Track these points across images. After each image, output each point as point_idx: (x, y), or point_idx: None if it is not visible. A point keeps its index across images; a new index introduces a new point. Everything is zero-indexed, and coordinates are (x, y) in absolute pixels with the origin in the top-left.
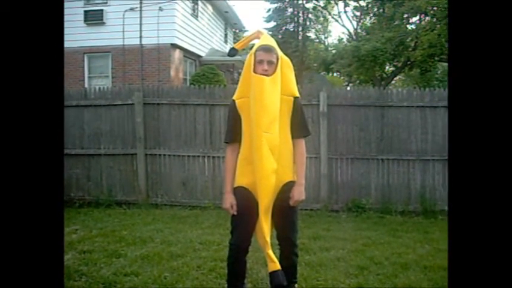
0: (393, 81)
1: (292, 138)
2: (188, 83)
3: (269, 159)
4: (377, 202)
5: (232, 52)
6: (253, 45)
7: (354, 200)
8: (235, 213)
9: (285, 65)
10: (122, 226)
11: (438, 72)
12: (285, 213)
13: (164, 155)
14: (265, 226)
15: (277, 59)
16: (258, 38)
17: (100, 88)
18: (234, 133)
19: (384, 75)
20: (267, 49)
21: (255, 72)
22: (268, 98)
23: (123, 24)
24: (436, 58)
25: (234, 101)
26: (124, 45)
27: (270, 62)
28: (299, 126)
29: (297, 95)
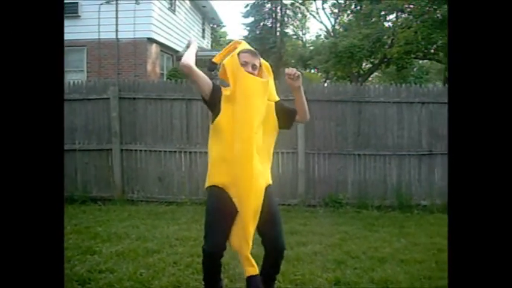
0: (369, 78)
1: (295, 119)
2: (165, 78)
3: (257, 161)
4: (353, 197)
5: (212, 67)
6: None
7: (331, 195)
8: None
9: (268, 70)
10: (97, 222)
11: (414, 69)
12: (272, 218)
13: (140, 150)
14: (251, 229)
15: (260, 65)
16: (236, 47)
17: (74, 82)
18: (214, 88)
19: (361, 71)
20: (253, 52)
21: None
22: (261, 100)
23: (99, 18)
24: (412, 55)
25: (220, 88)
26: (99, 39)
27: (254, 66)
28: (290, 112)
29: (278, 99)
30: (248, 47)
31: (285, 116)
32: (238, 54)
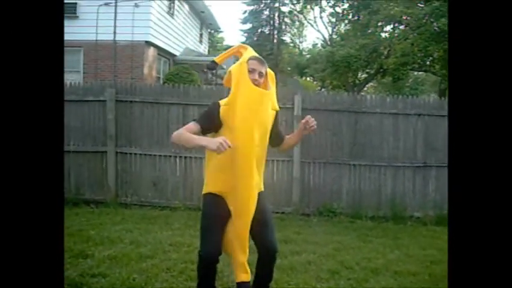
0: (365, 88)
1: (279, 144)
2: (161, 82)
3: (256, 173)
4: (348, 207)
5: (212, 65)
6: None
7: (325, 204)
8: (230, 145)
9: (272, 79)
10: (90, 225)
11: (410, 80)
12: (264, 220)
13: (135, 153)
14: (247, 237)
15: (266, 73)
16: (239, 52)
17: (70, 83)
18: (207, 127)
19: (357, 81)
20: (261, 60)
21: None
22: (265, 112)
23: (97, 19)
24: (408, 67)
25: (218, 104)
26: (96, 40)
27: (261, 74)
28: (280, 132)
29: (278, 108)
30: (254, 53)
31: (275, 136)
32: (247, 61)
